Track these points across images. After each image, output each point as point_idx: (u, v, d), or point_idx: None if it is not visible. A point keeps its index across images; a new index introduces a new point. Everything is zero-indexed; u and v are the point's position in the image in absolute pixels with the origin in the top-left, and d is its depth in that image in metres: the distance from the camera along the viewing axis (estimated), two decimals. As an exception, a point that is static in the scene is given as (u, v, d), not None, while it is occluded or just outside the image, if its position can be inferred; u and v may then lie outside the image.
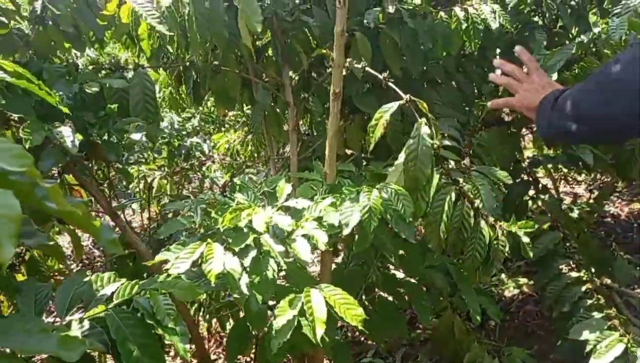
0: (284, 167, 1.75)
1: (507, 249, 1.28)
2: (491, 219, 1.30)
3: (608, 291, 1.98)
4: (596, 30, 1.40)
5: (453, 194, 1.30)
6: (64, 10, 1.16)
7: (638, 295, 2.01)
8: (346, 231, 1.14)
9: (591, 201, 2.45)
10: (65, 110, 0.98)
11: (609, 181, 2.47)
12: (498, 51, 1.90)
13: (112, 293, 0.79)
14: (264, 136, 1.79)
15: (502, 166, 1.80)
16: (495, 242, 1.24)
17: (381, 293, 1.53)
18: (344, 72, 1.39)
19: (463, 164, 1.60)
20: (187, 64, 1.61)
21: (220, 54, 1.52)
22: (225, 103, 1.78)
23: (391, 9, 1.65)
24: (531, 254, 1.32)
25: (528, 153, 2.49)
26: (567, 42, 1.95)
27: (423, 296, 1.45)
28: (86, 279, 0.81)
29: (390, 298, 1.54)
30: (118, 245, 0.61)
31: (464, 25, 1.67)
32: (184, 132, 2.98)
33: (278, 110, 1.74)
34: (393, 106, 1.24)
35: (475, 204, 1.30)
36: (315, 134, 1.89)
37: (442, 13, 1.71)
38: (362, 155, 1.81)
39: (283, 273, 1.21)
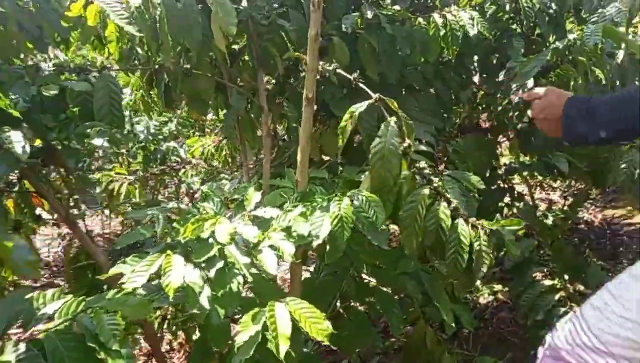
0: (258, 173, 1.69)
1: (491, 250, 1.16)
2: (472, 219, 1.21)
3: (581, 299, 1.95)
4: (571, 37, 1.36)
5: (426, 192, 1.19)
6: (9, 9, 1.08)
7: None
8: (317, 243, 1.08)
9: (566, 207, 2.43)
10: (17, 114, 0.91)
11: (583, 188, 2.45)
12: (476, 58, 1.87)
13: (55, 311, 0.72)
14: (238, 141, 1.72)
15: (478, 172, 1.76)
16: (477, 244, 1.13)
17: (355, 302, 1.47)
18: (318, 77, 1.34)
19: (437, 170, 1.56)
20: (157, 67, 1.53)
21: (194, 57, 1.44)
22: (198, 107, 1.71)
23: (369, 15, 1.60)
24: (518, 251, 1.22)
25: (504, 160, 2.46)
26: (544, 49, 1.93)
27: (395, 305, 1.39)
28: (28, 296, 0.74)
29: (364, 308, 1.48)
30: (35, 268, 0.55)
31: (442, 32, 1.63)
32: (160, 137, 2.89)
33: (252, 115, 1.67)
34: (362, 105, 1.19)
35: (453, 204, 1.21)
36: (290, 139, 1.83)
37: (420, 19, 1.67)
38: (338, 161, 1.76)
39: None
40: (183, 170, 3.06)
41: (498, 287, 2.08)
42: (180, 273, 0.90)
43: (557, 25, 1.82)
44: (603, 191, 2.61)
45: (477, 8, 1.82)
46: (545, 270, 1.64)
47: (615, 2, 1.56)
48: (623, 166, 1.60)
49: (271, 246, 1.03)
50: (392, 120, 1.17)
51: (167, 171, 2.66)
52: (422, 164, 1.22)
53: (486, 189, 1.49)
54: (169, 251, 0.94)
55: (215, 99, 1.78)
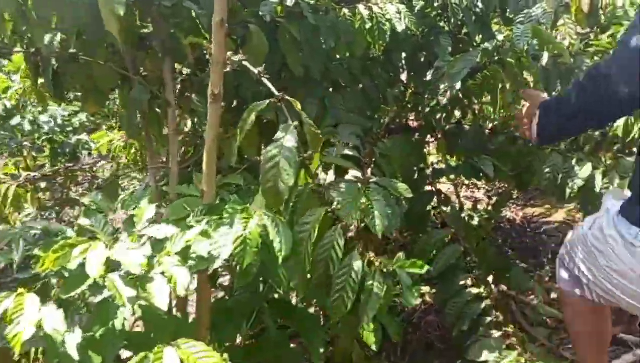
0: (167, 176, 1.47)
1: (384, 291, 1.00)
2: (370, 253, 1.06)
3: (505, 300, 1.93)
4: (500, 37, 1.27)
5: (322, 213, 1.02)
6: None
7: (532, 301, 1.99)
8: (215, 265, 0.90)
9: (489, 206, 2.42)
10: None
11: (507, 188, 2.46)
12: (404, 55, 1.75)
13: None
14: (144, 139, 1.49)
15: (405, 175, 1.66)
16: (369, 282, 0.97)
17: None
18: (228, 69, 1.15)
19: (364, 176, 1.42)
20: (34, 50, 1.27)
21: (82, 40, 1.20)
22: (95, 99, 1.45)
23: (289, 1, 1.42)
24: (413, 301, 1.06)
25: (432, 158, 2.39)
26: (470, 49, 1.85)
27: (317, 324, 1.24)
28: None
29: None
30: None
31: (368, 25, 1.49)
32: (70, 128, 2.56)
33: (158, 109, 1.45)
34: (262, 104, 1.01)
35: (350, 232, 1.05)
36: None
37: (345, 10, 1.52)
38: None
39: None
40: (99, 164, 2.75)
41: (425, 289, 2.00)
42: (32, 318, 0.69)
43: (483, 24, 1.75)
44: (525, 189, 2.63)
45: (405, 2, 1.70)
46: (472, 275, 1.56)
47: (540, 2, 1.49)
48: (547, 170, 1.56)
49: (164, 274, 0.84)
50: (292, 124, 1.00)
51: (72, 168, 2.34)
52: (322, 177, 1.06)
53: (414, 192, 1.39)
54: (20, 289, 0.72)
55: (122, 90, 1.53)
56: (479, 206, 2.44)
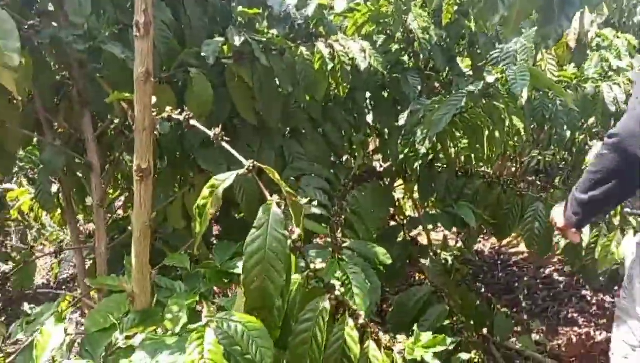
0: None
1: None
2: (385, 337, 0.83)
3: (485, 345, 1.71)
4: (490, 79, 1.05)
5: (326, 305, 0.80)
6: None
7: (515, 346, 1.78)
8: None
9: (459, 240, 2.20)
10: None
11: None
12: (368, 94, 1.51)
13: None
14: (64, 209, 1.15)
15: (377, 226, 1.42)
16: None
17: None
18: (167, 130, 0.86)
19: (335, 238, 1.16)
20: None
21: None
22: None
23: (237, 41, 1.15)
24: None
25: (397, 194, 2.16)
26: (436, 83, 1.64)
27: None
28: None
29: None
30: None
31: (330, 65, 1.24)
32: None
33: (80, 174, 1.12)
34: (229, 177, 0.73)
35: (361, 319, 0.81)
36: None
37: (302, 48, 1.26)
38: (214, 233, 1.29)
39: None
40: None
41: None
42: None
43: (450, 58, 1.55)
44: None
45: (366, 38, 1.47)
46: (460, 339, 1.32)
47: (514, 37, 1.30)
48: (528, 219, 1.35)
49: None
50: (274, 200, 0.72)
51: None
52: (319, 263, 0.79)
53: (389, 244, 1.16)
54: None
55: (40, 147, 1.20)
56: (449, 241, 2.22)
